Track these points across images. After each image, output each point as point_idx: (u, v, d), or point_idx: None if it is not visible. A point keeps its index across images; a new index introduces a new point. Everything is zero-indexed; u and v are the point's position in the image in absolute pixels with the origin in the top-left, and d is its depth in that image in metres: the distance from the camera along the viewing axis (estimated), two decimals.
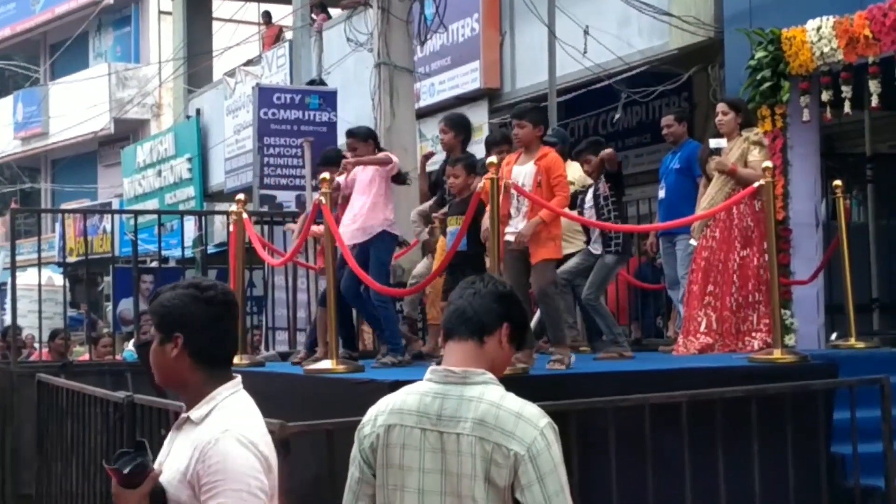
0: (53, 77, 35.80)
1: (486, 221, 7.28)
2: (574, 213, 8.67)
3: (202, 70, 25.13)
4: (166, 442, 3.33)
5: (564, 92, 13.89)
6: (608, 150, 8.75)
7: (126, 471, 3.12)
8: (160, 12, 32.24)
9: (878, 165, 12.55)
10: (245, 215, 8.83)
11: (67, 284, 14.88)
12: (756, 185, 7.68)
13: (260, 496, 3.06)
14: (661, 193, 9.40)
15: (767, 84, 9.25)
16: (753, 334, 8.37)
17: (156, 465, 3.22)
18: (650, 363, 7.91)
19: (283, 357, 10.20)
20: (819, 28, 8.97)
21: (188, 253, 15.40)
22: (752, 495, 5.98)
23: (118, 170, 29.66)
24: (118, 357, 12.71)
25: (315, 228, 8.72)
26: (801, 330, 8.92)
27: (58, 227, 28.78)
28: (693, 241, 8.78)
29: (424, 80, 15.64)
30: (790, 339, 8.61)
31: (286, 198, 14.79)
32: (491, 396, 3.17)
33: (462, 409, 3.16)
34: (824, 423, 6.42)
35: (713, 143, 8.71)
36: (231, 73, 22.30)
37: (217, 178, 23.11)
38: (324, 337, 8.29)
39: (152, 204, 24.96)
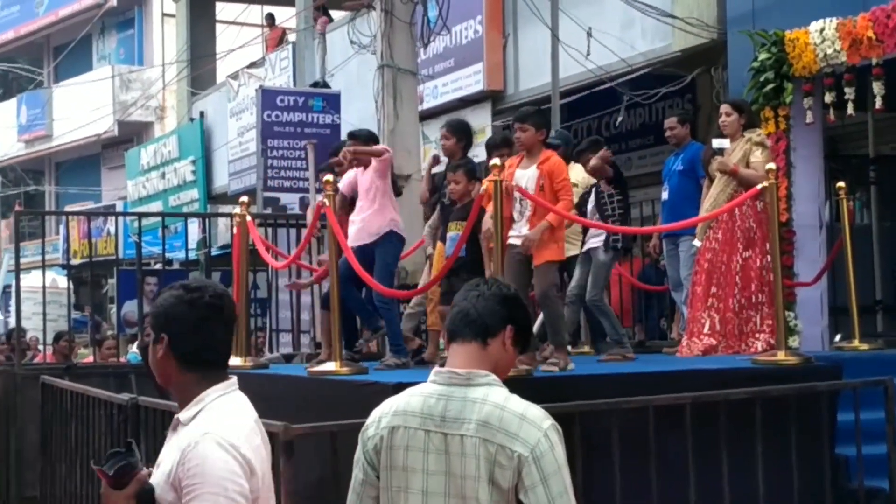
0: (57, 79, 35.85)
1: (487, 222, 7.29)
2: (575, 214, 8.67)
3: (206, 72, 25.13)
4: (165, 444, 3.34)
5: (567, 94, 13.89)
6: (594, 163, 8.69)
7: (111, 472, 3.12)
8: (163, 15, 32.27)
9: (882, 167, 12.55)
10: (248, 217, 8.85)
11: (71, 287, 14.88)
12: (760, 186, 7.68)
13: (238, 500, 3.03)
14: (665, 195, 9.41)
15: (771, 86, 9.26)
16: (757, 336, 8.38)
17: (154, 467, 3.22)
18: (654, 365, 7.91)
19: (287, 359, 10.21)
20: (822, 30, 8.98)
21: (192, 255, 15.42)
22: (756, 497, 5.98)
23: (122, 172, 29.67)
24: (122, 359, 12.73)
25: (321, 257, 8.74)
26: (804, 332, 8.93)
27: (62, 229, 28.77)
28: (696, 242, 8.79)
29: (428, 82, 15.63)
30: (794, 341, 8.62)
31: (290, 200, 14.79)
32: (495, 398, 3.17)
33: (466, 410, 3.16)
34: (828, 424, 6.42)
35: (716, 143, 8.71)
36: (234, 76, 22.30)
37: (221, 181, 23.11)
38: (327, 339, 8.29)
39: (156, 206, 24.96)
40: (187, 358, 3.21)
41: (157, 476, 3.17)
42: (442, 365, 3.32)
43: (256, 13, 25.84)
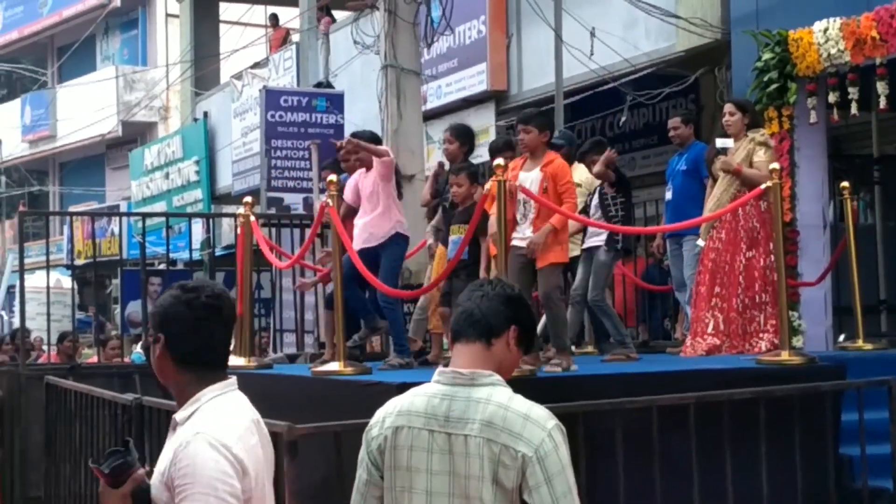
0: (61, 80, 35.87)
1: (493, 225, 7.30)
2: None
3: (209, 73, 25.14)
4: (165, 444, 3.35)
5: (571, 94, 13.88)
6: (598, 169, 8.70)
7: (107, 470, 3.13)
8: (167, 15, 32.30)
9: (886, 167, 12.53)
10: (252, 218, 8.85)
11: (76, 287, 14.92)
12: (763, 186, 7.68)
13: (229, 500, 3.03)
14: (668, 195, 9.41)
15: (774, 86, 9.25)
16: (761, 336, 8.37)
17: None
18: (657, 365, 7.91)
19: (291, 359, 10.21)
20: (826, 29, 8.97)
21: (196, 255, 15.42)
22: (760, 497, 5.97)
23: (126, 172, 29.69)
24: (126, 359, 12.73)
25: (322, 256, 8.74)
26: (808, 332, 8.92)
27: (66, 229, 28.75)
28: (700, 242, 8.79)
29: (431, 82, 15.63)
30: (798, 341, 8.61)
31: (293, 200, 14.82)
32: (499, 398, 3.17)
33: (470, 410, 3.16)
34: (832, 424, 6.42)
35: (719, 142, 8.71)
36: (238, 76, 22.31)
37: (224, 181, 23.12)
38: (331, 339, 8.30)
39: (160, 206, 24.97)
40: (184, 358, 3.22)
41: (154, 475, 3.18)
42: (446, 365, 3.32)
43: (260, 13, 25.84)
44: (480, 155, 12.03)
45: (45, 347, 14.90)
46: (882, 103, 8.98)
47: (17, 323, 13.58)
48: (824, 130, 9.45)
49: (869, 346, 8.66)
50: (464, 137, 8.57)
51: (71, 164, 36.48)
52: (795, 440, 6.14)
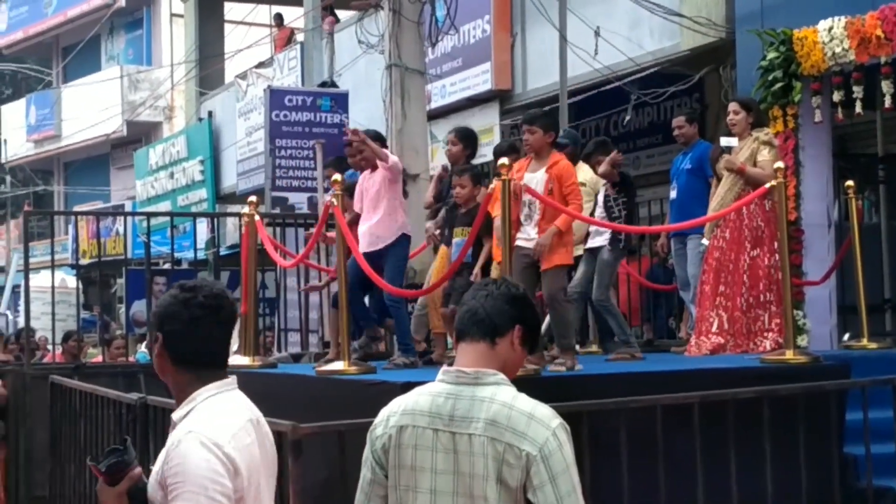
0: (66, 80, 35.93)
1: (498, 229, 7.31)
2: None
3: (214, 72, 25.16)
4: None
5: (575, 93, 13.88)
6: (604, 169, 8.70)
7: (103, 468, 3.15)
8: (172, 15, 32.32)
9: (891, 166, 12.51)
10: (257, 217, 8.86)
11: (80, 286, 14.91)
12: (768, 185, 7.68)
13: (219, 499, 3.03)
14: (673, 194, 9.41)
15: (779, 85, 9.24)
16: (765, 335, 8.37)
17: None
18: (662, 364, 7.92)
19: (296, 358, 10.22)
20: (831, 28, 8.96)
21: (201, 255, 15.45)
22: (765, 496, 5.97)
23: (131, 172, 29.73)
24: (131, 359, 12.74)
25: (330, 235, 8.72)
26: (813, 331, 8.91)
27: (71, 229, 28.85)
28: (705, 241, 8.79)
29: (435, 81, 15.63)
30: (802, 340, 8.60)
31: (298, 199, 14.81)
32: (503, 397, 3.17)
33: (474, 409, 3.16)
34: (836, 423, 6.41)
35: (724, 141, 8.71)
36: (243, 76, 22.33)
37: (229, 180, 23.14)
38: (336, 338, 8.30)
39: (165, 206, 25.00)
40: (182, 357, 3.23)
41: (151, 475, 3.20)
42: (450, 364, 3.32)
43: (265, 13, 25.86)
44: (484, 154, 12.03)
45: (49, 347, 14.91)
46: (887, 102, 8.97)
47: (22, 322, 13.59)
48: (829, 129, 9.44)
49: (873, 345, 8.65)
50: (467, 141, 8.60)
51: (76, 164, 36.53)
52: (800, 439, 6.13)
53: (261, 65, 22.22)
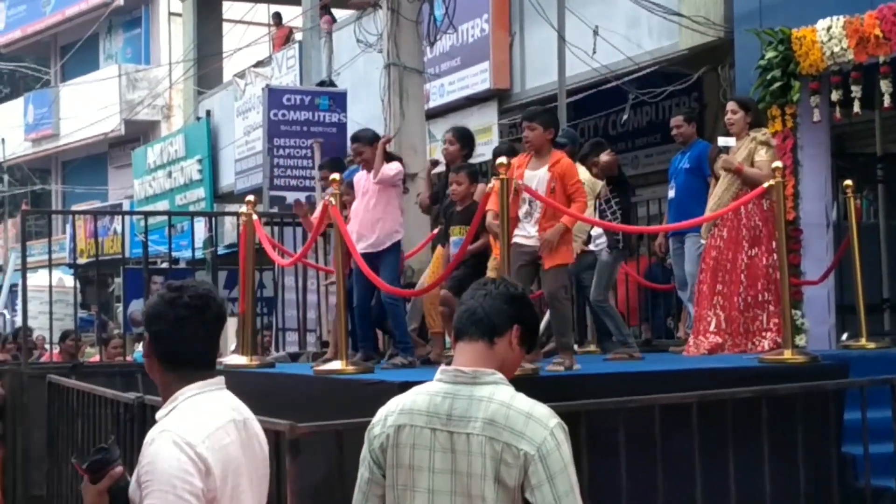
0: (64, 79, 35.91)
1: (491, 225, 7.30)
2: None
3: (212, 71, 25.16)
4: None
5: (574, 92, 13.87)
6: (605, 159, 8.73)
7: (84, 466, 3.17)
8: (170, 14, 32.32)
9: (889, 165, 12.51)
10: (255, 216, 8.85)
11: (78, 286, 14.92)
12: (766, 185, 7.67)
13: (187, 498, 3.03)
14: (671, 193, 9.41)
15: (777, 84, 9.24)
16: (764, 334, 8.37)
17: None
18: (660, 364, 7.91)
19: (293, 358, 10.21)
20: (829, 28, 8.96)
21: (198, 254, 15.42)
22: (763, 496, 5.97)
23: (129, 171, 29.72)
24: (128, 358, 12.74)
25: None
26: (811, 330, 8.91)
27: (68, 228, 28.85)
28: (703, 241, 8.79)
29: (434, 80, 15.62)
30: (801, 340, 8.60)
31: (296, 198, 14.80)
32: (501, 396, 3.17)
33: (472, 408, 3.16)
34: (835, 423, 6.41)
35: (721, 141, 8.71)
36: (241, 75, 22.32)
37: (227, 180, 23.13)
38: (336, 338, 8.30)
39: (163, 205, 25.00)
40: (167, 357, 3.25)
41: (133, 473, 3.22)
42: (448, 364, 3.31)
43: (263, 12, 25.86)
44: (483, 154, 12.03)
45: (47, 346, 14.91)
46: (886, 101, 8.97)
47: (19, 321, 13.58)
48: (827, 129, 9.44)
49: (872, 345, 8.64)
50: (465, 140, 8.60)
51: (74, 163, 36.52)
52: (798, 439, 6.13)
53: (259, 64, 22.22)
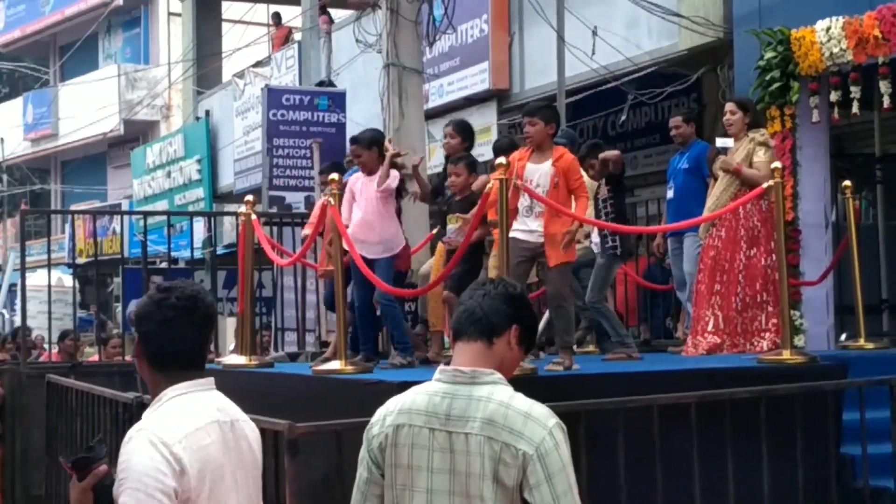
0: (63, 78, 35.91)
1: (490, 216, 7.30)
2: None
3: (211, 71, 25.16)
4: None
5: (573, 93, 13.87)
6: (614, 153, 8.77)
7: (69, 463, 3.22)
8: (170, 14, 32.33)
9: (888, 166, 12.52)
10: (254, 216, 8.85)
11: (77, 285, 14.92)
12: (765, 185, 7.68)
13: (158, 497, 3.04)
14: (670, 193, 9.41)
15: (776, 85, 9.23)
16: (762, 335, 8.37)
17: None
18: (659, 364, 7.91)
19: (292, 357, 10.21)
20: (828, 28, 8.96)
21: (197, 254, 15.42)
22: (761, 496, 5.97)
23: (128, 171, 29.72)
24: (127, 358, 12.70)
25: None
26: (810, 331, 8.91)
27: (67, 228, 28.83)
28: (702, 241, 8.79)
29: (433, 81, 15.62)
30: (799, 340, 8.61)
31: (295, 199, 14.82)
32: (500, 396, 3.17)
33: (471, 408, 3.16)
34: (834, 423, 6.41)
35: (720, 142, 8.71)
36: (240, 75, 22.32)
37: (226, 180, 23.13)
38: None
39: (162, 205, 25.00)
40: (155, 357, 3.27)
41: None
42: (447, 363, 3.31)
43: (262, 12, 25.86)
44: (483, 154, 12.02)
45: (46, 346, 14.91)
46: (885, 103, 8.97)
47: (18, 321, 13.58)
48: (826, 129, 9.44)
49: (870, 346, 8.64)
50: (466, 133, 8.60)
51: (73, 163, 36.52)
52: (797, 439, 6.13)
53: (258, 64, 22.22)
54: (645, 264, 12.29)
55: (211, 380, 3.33)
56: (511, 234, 6.92)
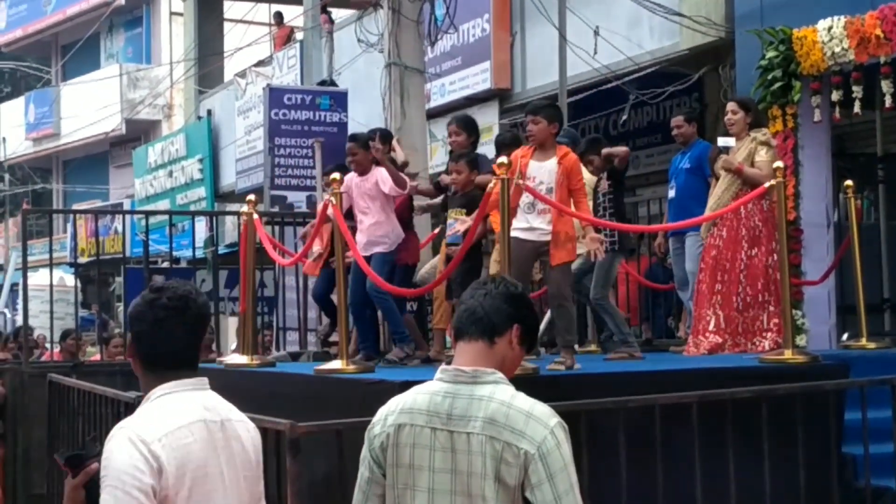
0: (65, 78, 35.93)
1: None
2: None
3: (213, 71, 25.18)
4: None
5: (575, 92, 13.88)
6: (623, 149, 8.78)
7: (62, 460, 3.25)
8: (171, 13, 32.34)
9: (890, 165, 12.52)
10: (256, 216, 8.85)
11: (79, 285, 14.91)
12: (767, 185, 7.67)
13: (135, 494, 3.05)
14: (672, 193, 9.41)
15: (778, 84, 9.23)
16: (764, 334, 8.37)
17: None
18: (660, 363, 7.91)
19: (294, 357, 10.20)
20: (830, 28, 8.96)
21: (199, 253, 15.44)
22: (763, 496, 5.97)
23: (129, 170, 29.75)
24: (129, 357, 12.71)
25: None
26: (812, 330, 8.91)
27: (69, 227, 28.86)
28: (704, 241, 8.79)
29: (435, 80, 15.63)
30: (801, 340, 8.60)
31: (297, 198, 14.81)
32: (501, 396, 3.17)
33: (472, 408, 3.16)
34: (835, 423, 6.40)
35: (721, 141, 8.71)
36: (242, 74, 22.34)
37: (228, 179, 23.15)
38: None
39: (163, 204, 25.02)
40: (147, 357, 3.29)
41: None
42: (449, 363, 3.31)
43: (264, 11, 25.87)
44: (484, 154, 12.00)
45: (48, 345, 14.91)
46: (887, 102, 8.96)
47: (20, 321, 13.58)
48: (828, 129, 9.44)
49: (872, 345, 8.64)
50: (471, 128, 8.58)
51: (74, 162, 36.53)
52: (798, 439, 6.12)
53: (260, 63, 22.23)
54: (646, 264, 12.29)
55: (203, 380, 3.34)
56: (512, 234, 6.90)
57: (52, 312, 11.86)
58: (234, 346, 11.85)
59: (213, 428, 3.26)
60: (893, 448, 6.41)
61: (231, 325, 16.02)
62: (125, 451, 3.09)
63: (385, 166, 7.99)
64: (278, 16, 24.05)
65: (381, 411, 3.33)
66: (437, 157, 15.58)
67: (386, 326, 8.82)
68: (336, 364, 7.35)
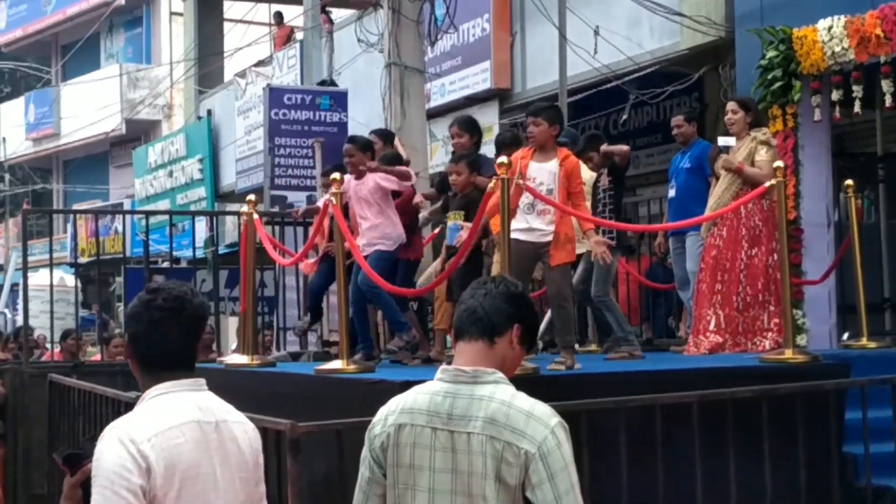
0: (65, 78, 35.93)
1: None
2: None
3: (213, 71, 25.17)
4: None
5: (575, 92, 13.88)
6: (624, 148, 8.78)
7: (60, 459, 3.29)
8: (171, 13, 32.34)
9: (890, 165, 12.51)
10: (256, 216, 8.85)
11: (79, 285, 14.91)
12: (767, 184, 7.67)
13: (123, 494, 3.06)
14: (672, 193, 9.41)
15: (778, 84, 9.23)
16: (764, 334, 8.36)
17: None
18: (661, 363, 7.91)
19: (294, 357, 10.20)
20: (830, 27, 8.96)
21: (199, 253, 15.44)
22: (763, 495, 5.97)
23: (129, 170, 29.75)
24: None
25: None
26: (812, 330, 8.91)
27: (69, 227, 28.86)
28: (704, 240, 8.80)
29: (435, 80, 15.63)
30: (802, 339, 8.60)
31: (297, 198, 14.80)
32: (501, 395, 3.17)
33: (473, 408, 3.16)
34: (836, 423, 6.40)
35: (721, 141, 8.71)
36: (242, 74, 22.33)
37: (228, 179, 23.15)
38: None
39: (163, 204, 25.02)
40: (143, 358, 3.31)
41: None
42: (449, 363, 3.31)
43: (264, 11, 25.87)
44: (484, 154, 12.00)
45: (48, 345, 14.91)
46: (887, 101, 8.96)
47: (20, 321, 13.58)
48: (828, 128, 9.44)
49: (873, 345, 8.64)
50: (473, 129, 8.58)
51: (75, 162, 36.53)
52: (799, 438, 6.12)
53: (260, 63, 22.23)
54: (647, 263, 12.29)
55: (200, 380, 3.34)
56: (512, 235, 6.90)
57: (52, 312, 11.86)
58: (234, 346, 11.85)
59: (206, 429, 3.26)
60: (894, 448, 6.41)
61: (231, 325, 16.02)
62: (115, 451, 3.10)
63: (380, 170, 8.00)
64: (278, 16, 24.04)
65: (382, 411, 3.33)
66: (437, 157, 15.58)
67: (386, 326, 8.82)
68: (336, 364, 7.35)
